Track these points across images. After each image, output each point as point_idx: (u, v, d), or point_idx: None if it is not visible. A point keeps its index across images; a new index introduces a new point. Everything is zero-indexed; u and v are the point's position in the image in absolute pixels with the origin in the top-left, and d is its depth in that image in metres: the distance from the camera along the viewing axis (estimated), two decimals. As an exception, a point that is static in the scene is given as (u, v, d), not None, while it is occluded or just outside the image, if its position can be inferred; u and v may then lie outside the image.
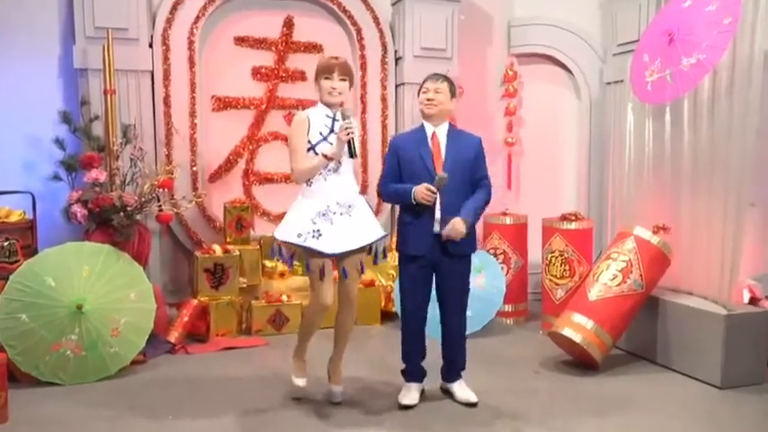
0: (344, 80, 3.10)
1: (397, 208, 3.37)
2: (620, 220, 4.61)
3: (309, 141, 3.06)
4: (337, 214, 3.06)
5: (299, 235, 3.04)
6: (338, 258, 3.14)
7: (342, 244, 3.06)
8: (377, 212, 5.10)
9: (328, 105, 3.11)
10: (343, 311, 3.27)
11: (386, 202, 3.48)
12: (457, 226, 3.12)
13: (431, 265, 3.21)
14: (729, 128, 3.76)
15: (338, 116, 3.09)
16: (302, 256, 3.12)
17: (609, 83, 5.35)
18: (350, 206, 3.10)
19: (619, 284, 3.89)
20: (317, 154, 3.04)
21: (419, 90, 3.31)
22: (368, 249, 3.19)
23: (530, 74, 5.60)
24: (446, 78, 3.27)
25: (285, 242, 3.07)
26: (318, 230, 3.03)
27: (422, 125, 3.28)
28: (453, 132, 3.27)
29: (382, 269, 4.98)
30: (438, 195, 3.11)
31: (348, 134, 2.96)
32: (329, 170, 3.07)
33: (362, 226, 3.12)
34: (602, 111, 5.43)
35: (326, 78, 3.08)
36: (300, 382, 3.29)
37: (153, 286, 3.96)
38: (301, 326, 3.33)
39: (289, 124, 4.78)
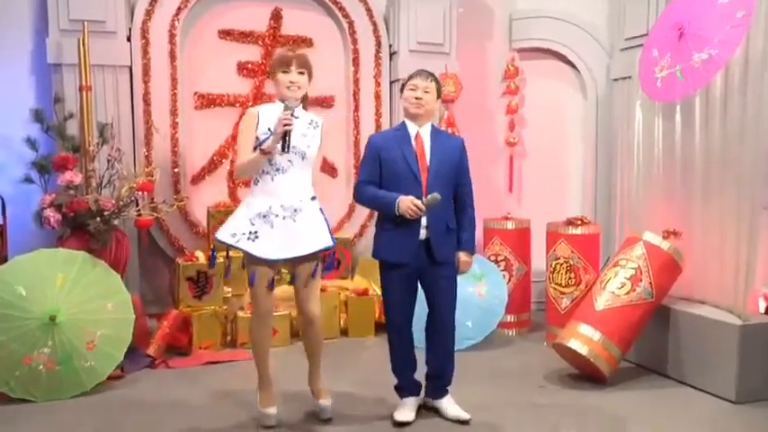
0: (303, 73, 3.11)
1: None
2: (628, 225, 4.62)
3: (258, 138, 3.06)
4: (279, 218, 3.04)
5: (234, 235, 3.04)
6: (291, 266, 3.14)
7: (278, 250, 3.03)
8: (349, 213, 5.13)
9: (285, 101, 3.11)
10: (305, 327, 3.26)
11: (361, 205, 3.46)
12: (466, 266, 3.28)
13: (415, 273, 3.21)
14: (743, 127, 3.78)
15: (296, 113, 3.10)
16: (245, 260, 3.12)
17: (616, 79, 5.37)
18: (296, 210, 3.07)
19: (627, 293, 3.90)
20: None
21: (403, 85, 3.30)
22: (319, 259, 3.17)
23: (532, 70, 5.63)
24: (435, 78, 3.29)
25: (219, 241, 3.08)
26: (255, 232, 3.03)
27: (403, 123, 3.28)
28: (436, 133, 3.28)
29: (376, 277, 4.97)
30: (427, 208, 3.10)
31: (285, 125, 2.95)
32: (277, 169, 3.06)
33: (307, 233, 3.08)
34: (610, 109, 5.46)
35: (284, 72, 3.09)
36: (270, 410, 3.23)
37: (131, 296, 3.95)
38: (252, 347, 3.30)
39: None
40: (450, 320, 3.29)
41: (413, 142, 3.21)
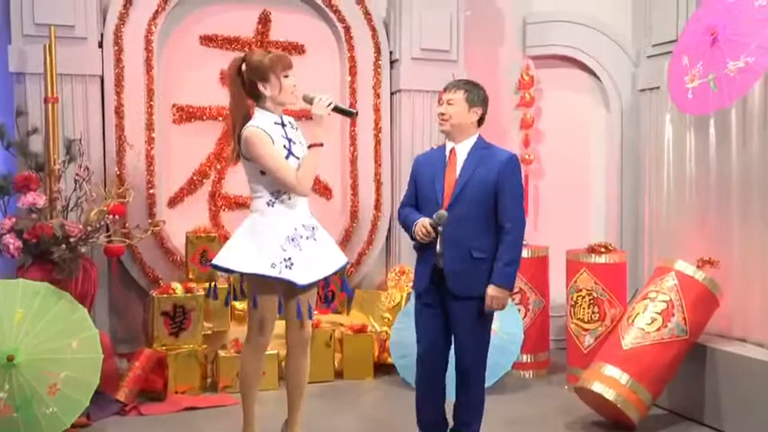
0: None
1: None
2: (658, 253, 4.63)
3: None
4: (304, 238, 3.15)
5: (273, 266, 3.07)
6: (297, 292, 3.18)
7: (311, 273, 3.14)
8: (346, 239, 5.16)
9: (277, 110, 3.18)
10: (297, 358, 3.30)
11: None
12: (496, 302, 3.15)
13: (439, 305, 3.22)
14: (785, 143, 3.81)
15: (285, 120, 3.21)
16: (249, 290, 3.17)
17: (643, 90, 5.40)
18: (314, 228, 3.22)
19: (658, 330, 3.89)
20: None
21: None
22: (323, 282, 3.30)
23: (549, 79, 5.67)
24: (463, 84, 3.28)
25: (255, 275, 3.09)
26: (289, 259, 3.09)
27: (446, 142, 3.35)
28: (478, 149, 3.24)
29: (376, 312, 4.99)
30: (437, 230, 3.12)
31: (329, 103, 3.14)
32: None
33: (327, 251, 3.23)
34: (636, 122, 5.48)
35: (287, 76, 3.17)
36: None
37: (99, 333, 3.93)
38: (242, 383, 3.32)
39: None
40: (474, 369, 3.26)
41: (446, 160, 3.25)
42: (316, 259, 3.15)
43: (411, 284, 3.41)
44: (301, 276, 3.10)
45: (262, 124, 3.14)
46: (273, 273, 3.06)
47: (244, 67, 3.16)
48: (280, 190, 3.14)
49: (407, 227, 3.26)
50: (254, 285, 3.15)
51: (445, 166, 3.22)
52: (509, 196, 3.17)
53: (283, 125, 3.18)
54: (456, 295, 3.16)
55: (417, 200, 3.29)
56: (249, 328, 3.27)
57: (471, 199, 3.14)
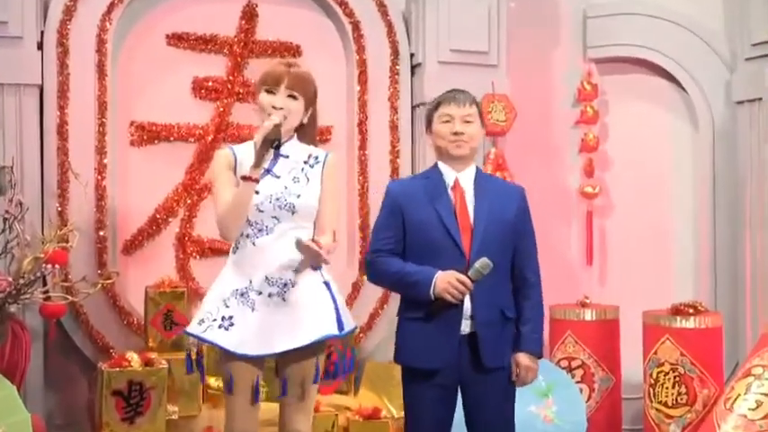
0: (295, 98, 3.15)
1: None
2: (764, 315, 4.58)
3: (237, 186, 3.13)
4: (263, 296, 3.08)
5: (201, 321, 3.08)
6: (277, 366, 3.15)
7: (262, 343, 3.06)
8: (353, 296, 5.11)
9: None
10: None
11: (373, 283, 3.48)
12: (527, 375, 3.20)
13: (453, 384, 3.18)
14: None
15: (288, 151, 3.17)
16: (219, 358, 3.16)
17: (740, 102, 5.38)
18: (285, 285, 3.10)
19: (765, 417, 3.84)
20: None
21: (429, 115, 3.32)
22: (315, 354, 3.16)
23: (618, 89, 5.68)
24: (472, 97, 3.30)
25: (187, 334, 3.14)
26: (230, 318, 3.06)
27: (435, 168, 3.29)
28: (483, 180, 3.29)
29: (392, 391, 4.93)
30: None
31: (267, 121, 3.02)
32: (259, 230, 3.11)
33: (303, 317, 3.10)
34: (732, 144, 5.45)
35: (268, 92, 3.14)
36: None
37: (32, 417, 3.90)
38: None
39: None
40: None
41: (450, 194, 3.21)
42: (277, 325, 3.07)
43: (402, 361, 3.25)
44: (240, 342, 3.03)
45: (241, 147, 3.21)
46: (197, 331, 3.07)
47: None
48: (241, 233, 3.13)
49: (412, 284, 3.14)
50: (219, 356, 3.15)
51: (451, 201, 3.20)
52: (529, 242, 3.27)
53: (280, 156, 3.14)
54: (484, 367, 3.13)
55: (407, 247, 3.21)
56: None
57: (494, 245, 3.15)
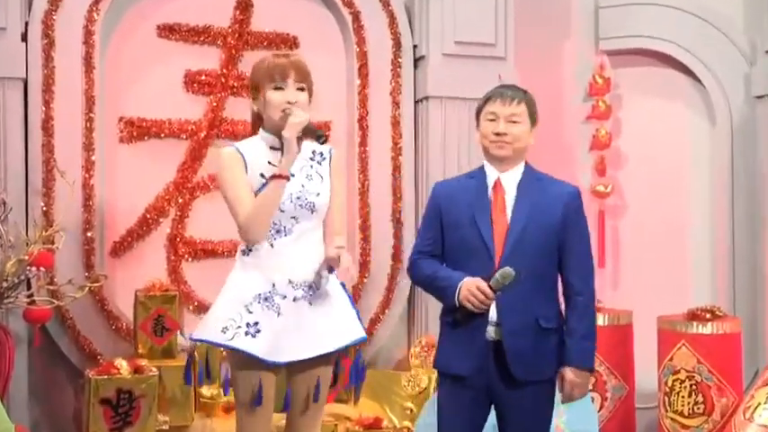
0: (303, 89, 3.16)
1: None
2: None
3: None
4: (288, 299, 3.10)
5: (225, 329, 3.07)
6: (287, 373, 3.16)
7: (292, 348, 3.08)
8: (353, 300, 5.07)
9: (275, 132, 3.15)
10: None
11: (418, 287, 3.53)
12: (578, 390, 3.16)
13: (484, 393, 3.19)
14: None
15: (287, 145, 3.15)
16: (232, 366, 3.15)
17: (760, 96, 5.39)
18: (310, 287, 3.14)
19: (788, 427, 3.85)
20: None
21: (479, 110, 3.31)
22: (333, 362, 3.21)
23: (631, 82, 5.67)
24: (524, 95, 3.26)
25: (201, 341, 3.13)
26: (256, 323, 3.06)
27: (481, 167, 3.30)
28: (530, 180, 3.25)
29: (394, 400, 4.95)
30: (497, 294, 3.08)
31: (300, 120, 3.05)
32: (278, 231, 3.12)
33: (329, 321, 3.15)
34: (752, 140, 5.46)
35: (276, 89, 3.13)
36: None
37: (15, 428, 3.90)
38: None
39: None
40: None
41: (489, 195, 3.21)
42: (303, 330, 3.10)
43: (437, 365, 3.31)
44: (270, 349, 3.05)
45: (245, 144, 3.19)
46: (222, 339, 3.05)
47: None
48: None
49: (441, 288, 3.21)
50: (232, 362, 3.16)
51: (490, 203, 3.20)
52: (578, 245, 3.21)
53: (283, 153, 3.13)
54: (516, 380, 3.12)
55: (445, 249, 3.25)
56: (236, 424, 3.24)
57: (532, 249, 3.13)
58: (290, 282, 3.11)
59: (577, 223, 3.22)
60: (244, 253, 3.16)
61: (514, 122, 3.20)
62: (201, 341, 3.13)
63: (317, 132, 3.07)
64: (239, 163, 3.13)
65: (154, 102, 5.00)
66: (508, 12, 5.36)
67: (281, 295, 3.10)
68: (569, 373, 3.13)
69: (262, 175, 3.11)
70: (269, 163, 3.13)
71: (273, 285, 3.10)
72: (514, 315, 3.11)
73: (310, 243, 3.17)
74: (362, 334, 3.21)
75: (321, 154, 3.26)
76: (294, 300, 3.10)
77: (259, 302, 3.09)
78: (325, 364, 3.19)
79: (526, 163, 3.29)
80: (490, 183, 3.23)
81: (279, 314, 3.08)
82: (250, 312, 3.08)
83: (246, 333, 3.05)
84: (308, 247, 3.16)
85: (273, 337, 3.06)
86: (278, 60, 3.17)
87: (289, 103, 3.09)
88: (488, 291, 3.02)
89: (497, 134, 3.19)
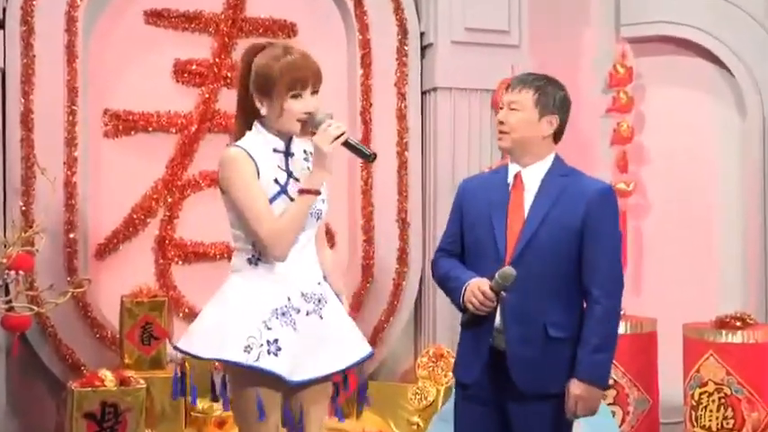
0: (317, 92, 3.14)
1: None
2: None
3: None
4: (302, 313, 3.09)
5: (248, 348, 3.02)
6: (288, 388, 3.13)
7: (308, 366, 3.08)
8: (355, 307, 5.06)
9: (281, 134, 3.13)
10: None
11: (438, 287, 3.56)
12: (582, 405, 3.10)
13: (494, 404, 3.19)
14: None
15: (295, 148, 3.15)
16: (239, 384, 3.12)
17: (795, 85, 5.38)
18: (320, 300, 3.15)
19: (824, 444, 3.83)
20: None
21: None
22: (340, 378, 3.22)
23: (655, 72, 5.67)
24: (533, 81, 3.24)
25: (224, 362, 3.08)
26: (276, 340, 3.03)
27: (506, 164, 3.32)
28: (555, 176, 3.24)
29: (399, 414, 4.96)
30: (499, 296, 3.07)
31: (339, 134, 3.01)
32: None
33: (339, 336, 3.16)
34: (786, 134, 5.44)
35: (295, 97, 3.09)
36: None
37: (-9, 444, 3.91)
38: None
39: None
40: None
41: (509, 192, 3.21)
42: (320, 345, 3.10)
43: (452, 372, 3.38)
44: (292, 368, 3.04)
45: (251, 146, 3.12)
46: (247, 360, 3.01)
47: (253, 65, 3.14)
48: None
49: (451, 290, 3.23)
50: (239, 379, 3.12)
51: (507, 200, 3.19)
52: (601, 248, 3.13)
53: (288, 154, 3.14)
54: (523, 393, 3.11)
55: (464, 246, 3.27)
56: None
57: (546, 251, 3.11)
58: (302, 294, 3.11)
59: (602, 225, 3.15)
60: (250, 262, 3.12)
61: (513, 110, 3.19)
62: (223, 361, 3.07)
63: (366, 153, 3.14)
64: (251, 167, 3.09)
65: (141, 93, 5.00)
66: (522, -3, 5.36)
67: (295, 309, 3.09)
68: (575, 386, 3.08)
69: (276, 182, 3.08)
70: (279, 167, 3.11)
71: (289, 299, 3.09)
72: (519, 322, 3.11)
73: (311, 252, 3.17)
74: (369, 349, 3.23)
75: (307, 154, 3.23)
76: (307, 314, 3.10)
77: (277, 318, 3.06)
78: (330, 378, 3.20)
79: (556, 156, 3.28)
80: (511, 179, 3.22)
81: (295, 329, 3.07)
82: (269, 329, 3.05)
83: (269, 352, 3.03)
84: (310, 257, 3.17)
85: (293, 354, 3.05)
86: (296, 64, 3.10)
87: (307, 113, 3.07)
88: (489, 292, 3.02)
89: (499, 124, 3.22)
